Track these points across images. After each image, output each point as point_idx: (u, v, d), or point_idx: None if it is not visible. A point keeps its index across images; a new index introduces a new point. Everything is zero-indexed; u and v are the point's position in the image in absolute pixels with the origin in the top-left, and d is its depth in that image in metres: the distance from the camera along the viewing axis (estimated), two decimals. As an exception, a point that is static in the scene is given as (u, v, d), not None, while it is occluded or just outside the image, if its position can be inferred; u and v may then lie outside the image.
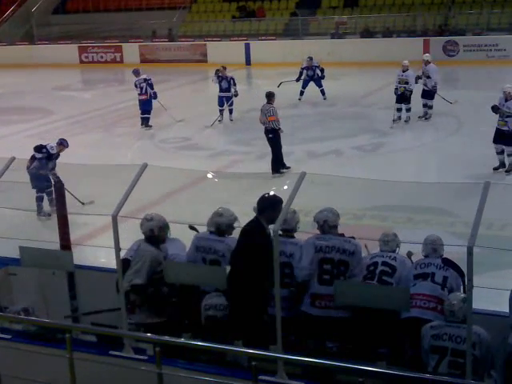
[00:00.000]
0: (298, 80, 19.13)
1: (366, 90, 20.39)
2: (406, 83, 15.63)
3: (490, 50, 24.57)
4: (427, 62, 15.90)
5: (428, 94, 15.87)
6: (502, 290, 5.18)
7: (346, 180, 9.74)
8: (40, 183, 10.73)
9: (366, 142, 14.84)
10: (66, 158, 12.61)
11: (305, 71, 19.11)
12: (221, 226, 5.87)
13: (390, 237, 5.86)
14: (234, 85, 16.95)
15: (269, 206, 5.29)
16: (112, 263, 5.51)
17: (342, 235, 5.67)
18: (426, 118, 15.99)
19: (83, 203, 10.79)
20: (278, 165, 12.47)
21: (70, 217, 6.63)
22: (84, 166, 11.89)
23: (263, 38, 28.88)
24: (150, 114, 16.84)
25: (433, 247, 5.68)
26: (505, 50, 24.33)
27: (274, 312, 4.90)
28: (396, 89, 15.78)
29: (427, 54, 16.38)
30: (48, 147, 11.12)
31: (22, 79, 26.45)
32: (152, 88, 16.64)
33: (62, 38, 31.92)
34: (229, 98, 16.96)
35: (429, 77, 15.69)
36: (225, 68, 17.21)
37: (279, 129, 12.57)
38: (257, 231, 5.27)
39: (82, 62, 30.51)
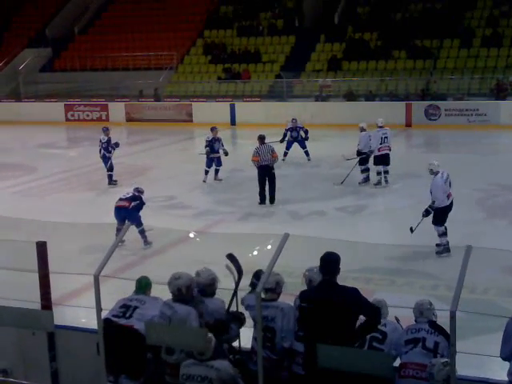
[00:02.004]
0: (282, 141, 19.30)
1: (350, 152, 20.57)
2: (359, 144, 16.30)
3: (471, 114, 25.02)
4: (362, 130, 16.39)
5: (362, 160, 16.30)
6: (485, 356, 5.16)
7: (329, 242, 9.75)
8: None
9: (349, 203, 14.93)
10: (49, 216, 12.60)
11: (289, 132, 19.30)
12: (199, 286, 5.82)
13: (383, 303, 5.87)
14: (223, 145, 17.10)
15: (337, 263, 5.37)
16: (93, 323, 5.44)
17: None
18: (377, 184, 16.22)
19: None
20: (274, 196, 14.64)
21: (51, 275, 6.57)
22: (68, 224, 11.89)
23: (248, 99, 29.29)
24: (111, 171, 16.95)
25: (420, 311, 5.69)
26: (485, 114, 24.80)
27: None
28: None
29: (362, 123, 16.61)
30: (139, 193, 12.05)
31: (8, 136, 26.50)
32: (106, 150, 16.81)
33: (48, 95, 32.16)
34: (218, 159, 17.06)
35: (359, 144, 16.28)
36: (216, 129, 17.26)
37: (268, 164, 14.52)
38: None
39: (67, 119, 30.68)
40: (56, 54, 35.99)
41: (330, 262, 5.36)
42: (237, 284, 5.82)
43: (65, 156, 23.29)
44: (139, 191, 12.09)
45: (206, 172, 17.04)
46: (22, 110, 31.23)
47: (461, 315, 4.57)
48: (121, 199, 11.93)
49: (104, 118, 30.20)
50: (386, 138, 16.11)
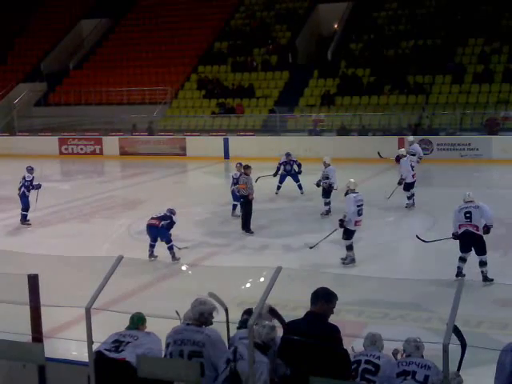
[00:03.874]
0: (275, 175, 19.35)
1: (342, 186, 20.60)
2: (327, 178, 16.61)
3: (463, 149, 25.17)
4: (327, 165, 16.81)
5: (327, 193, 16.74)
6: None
7: (322, 274, 9.76)
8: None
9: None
10: (41, 249, 12.56)
11: (282, 166, 19.35)
12: (204, 314, 5.78)
13: (377, 336, 5.86)
14: None
15: (322, 297, 5.43)
16: (84, 356, 5.40)
17: None
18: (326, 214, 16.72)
19: (180, 248, 13.10)
20: (247, 225, 14.91)
21: (42, 308, 6.53)
22: (59, 256, 11.84)
23: (242, 133, 29.42)
24: (26, 211, 16.65)
25: (416, 345, 5.69)
26: (477, 149, 24.96)
27: None
28: (319, 183, 16.90)
29: (326, 157, 17.12)
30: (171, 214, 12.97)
31: (1, 170, 26.49)
32: (27, 188, 16.64)
33: (42, 130, 32.26)
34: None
35: (327, 177, 16.66)
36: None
37: (248, 195, 14.90)
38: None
39: (61, 153, 30.70)
40: (51, 88, 36.21)
41: (325, 294, 5.46)
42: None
43: (58, 189, 23.26)
44: (171, 212, 12.99)
45: (235, 206, 16.81)
46: (15, 144, 31.25)
47: (454, 348, 4.56)
48: (152, 218, 12.99)
49: (98, 151, 30.27)
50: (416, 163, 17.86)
